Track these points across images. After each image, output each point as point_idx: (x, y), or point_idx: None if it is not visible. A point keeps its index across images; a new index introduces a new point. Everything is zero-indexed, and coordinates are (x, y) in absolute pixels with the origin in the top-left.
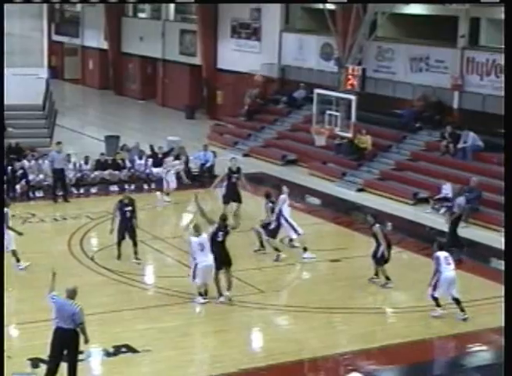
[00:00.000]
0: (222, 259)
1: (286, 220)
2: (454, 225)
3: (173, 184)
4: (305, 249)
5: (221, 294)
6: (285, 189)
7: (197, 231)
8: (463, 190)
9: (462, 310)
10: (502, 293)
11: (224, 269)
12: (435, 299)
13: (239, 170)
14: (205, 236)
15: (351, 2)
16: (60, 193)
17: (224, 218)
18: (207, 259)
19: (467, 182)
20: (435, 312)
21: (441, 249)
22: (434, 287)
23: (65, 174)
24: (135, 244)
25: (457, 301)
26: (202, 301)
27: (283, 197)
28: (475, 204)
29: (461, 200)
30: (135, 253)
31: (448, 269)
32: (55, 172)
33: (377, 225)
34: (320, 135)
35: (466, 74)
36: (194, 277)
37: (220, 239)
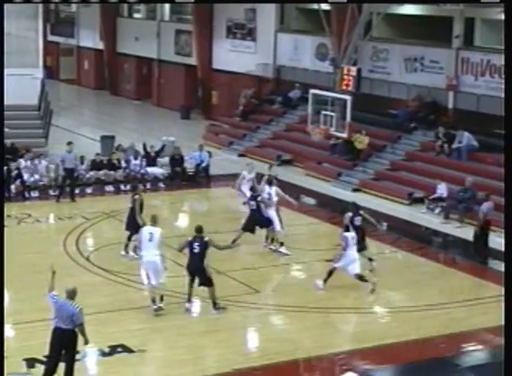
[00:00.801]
0: (191, 271)
1: (277, 212)
2: (481, 233)
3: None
4: (282, 244)
5: (189, 300)
6: (275, 181)
7: (154, 222)
8: (487, 196)
9: (366, 281)
10: (497, 293)
11: (192, 283)
12: (331, 272)
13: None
14: (159, 229)
15: (350, 2)
16: (57, 193)
17: (199, 229)
18: (153, 253)
19: (462, 182)
20: (319, 282)
21: (347, 231)
22: (338, 260)
23: (75, 174)
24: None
25: (360, 277)
26: (154, 307)
27: (275, 188)
28: (470, 203)
29: (485, 206)
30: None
31: (354, 249)
32: (65, 172)
33: (349, 213)
34: (315, 133)
35: (461, 75)
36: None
37: (196, 251)
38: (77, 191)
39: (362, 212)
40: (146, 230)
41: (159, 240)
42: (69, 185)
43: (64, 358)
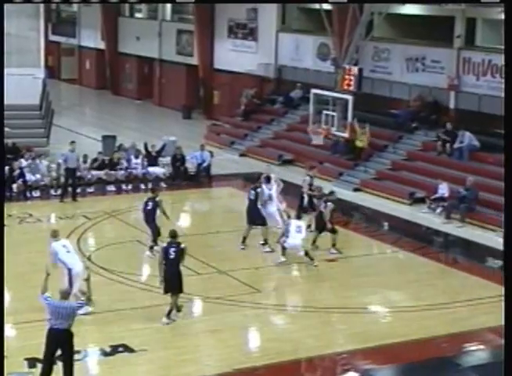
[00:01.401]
0: (167, 279)
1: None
2: None
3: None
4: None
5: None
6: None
7: (55, 236)
8: None
9: (311, 259)
10: (498, 292)
11: (170, 293)
12: (284, 248)
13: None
14: (66, 241)
15: (350, 2)
16: (59, 193)
17: (173, 234)
18: (77, 262)
19: (464, 182)
20: (279, 259)
21: (298, 218)
22: (285, 239)
23: (76, 173)
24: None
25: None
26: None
27: (274, 185)
28: (471, 203)
29: None
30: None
31: (296, 237)
32: (67, 171)
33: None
34: (317, 135)
35: (463, 74)
36: (72, 285)
37: (172, 256)
38: (78, 190)
39: (259, 190)
40: (58, 245)
41: (73, 248)
42: (71, 184)
43: (62, 358)
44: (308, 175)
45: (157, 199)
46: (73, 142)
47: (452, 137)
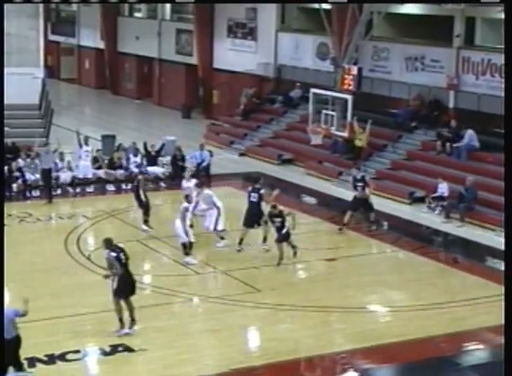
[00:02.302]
0: (131, 288)
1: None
2: None
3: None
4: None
5: (123, 327)
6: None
7: None
8: None
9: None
10: (498, 292)
11: (124, 299)
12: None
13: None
14: None
15: (350, 2)
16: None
17: (111, 241)
18: None
19: (463, 182)
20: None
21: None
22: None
23: (51, 175)
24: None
25: (191, 244)
26: None
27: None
28: (471, 203)
29: None
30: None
31: (176, 221)
32: (43, 172)
33: (249, 188)
34: (316, 135)
35: (462, 74)
36: None
37: (124, 261)
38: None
39: (262, 191)
40: None
41: None
42: (47, 185)
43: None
44: (351, 174)
45: (139, 177)
46: (47, 143)
47: (455, 135)
